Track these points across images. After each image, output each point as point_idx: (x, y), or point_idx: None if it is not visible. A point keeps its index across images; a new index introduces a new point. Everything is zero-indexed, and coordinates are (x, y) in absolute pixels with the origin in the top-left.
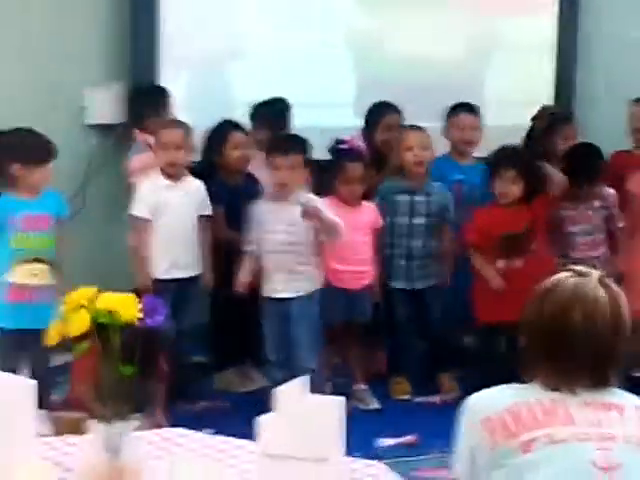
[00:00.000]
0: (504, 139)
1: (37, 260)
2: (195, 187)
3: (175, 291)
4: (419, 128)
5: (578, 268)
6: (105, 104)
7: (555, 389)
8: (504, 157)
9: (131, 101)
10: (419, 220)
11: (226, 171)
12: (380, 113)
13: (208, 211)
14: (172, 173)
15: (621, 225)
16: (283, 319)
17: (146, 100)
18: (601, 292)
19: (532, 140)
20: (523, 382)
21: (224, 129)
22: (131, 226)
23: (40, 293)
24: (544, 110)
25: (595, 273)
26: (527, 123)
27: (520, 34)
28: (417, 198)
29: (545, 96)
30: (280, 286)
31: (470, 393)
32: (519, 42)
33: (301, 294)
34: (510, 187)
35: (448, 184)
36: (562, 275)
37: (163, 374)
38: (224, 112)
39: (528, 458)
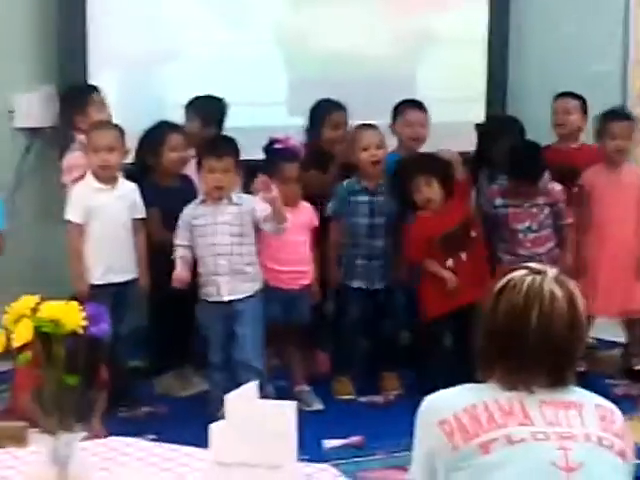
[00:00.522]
0: (438, 137)
1: None
2: (128, 190)
3: (112, 296)
4: (372, 127)
5: (533, 266)
6: (34, 107)
7: (512, 388)
8: (413, 165)
9: (62, 101)
10: (379, 220)
11: (162, 173)
12: (326, 111)
13: (142, 214)
14: (104, 176)
15: (570, 221)
16: (228, 320)
17: (76, 100)
18: (557, 290)
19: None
20: (476, 381)
21: (162, 130)
22: (66, 231)
23: None
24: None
25: (551, 271)
26: (462, 120)
27: (452, 29)
28: (377, 198)
29: (478, 91)
30: (225, 288)
31: (413, 392)
32: (451, 37)
33: (247, 294)
34: (429, 192)
35: None
36: (517, 273)
37: (104, 382)
38: (157, 113)
39: (487, 459)
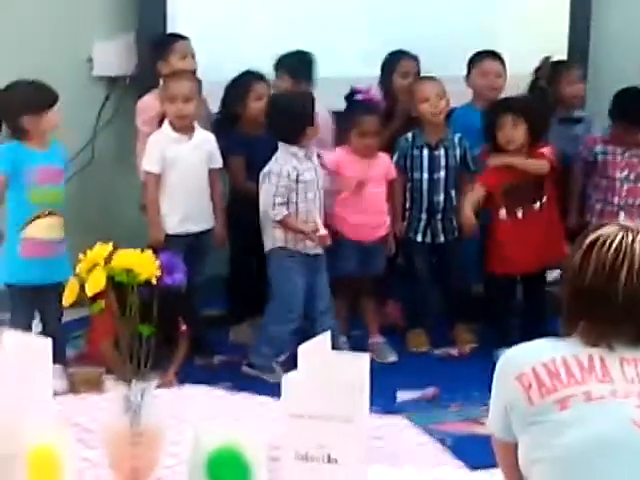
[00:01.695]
0: (516, 90)
1: (52, 213)
2: (205, 139)
3: (188, 245)
4: (433, 78)
5: (625, 223)
6: (113, 55)
7: (593, 344)
8: (500, 105)
9: (143, 49)
10: (440, 174)
11: (248, 122)
12: (396, 60)
13: (219, 164)
14: (180, 125)
15: None
16: (311, 272)
17: (160, 46)
18: None
19: (535, 91)
20: (543, 333)
21: (247, 80)
22: (142, 181)
23: (55, 247)
24: (545, 61)
25: None
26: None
27: None
28: (437, 152)
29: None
30: (310, 243)
31: (486, 344)
32: None
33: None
34: (512, 133)
35: (473, 133)
36: (607, 229)
37: (183, 334)
38: (239, 64)
39: (564, 415)
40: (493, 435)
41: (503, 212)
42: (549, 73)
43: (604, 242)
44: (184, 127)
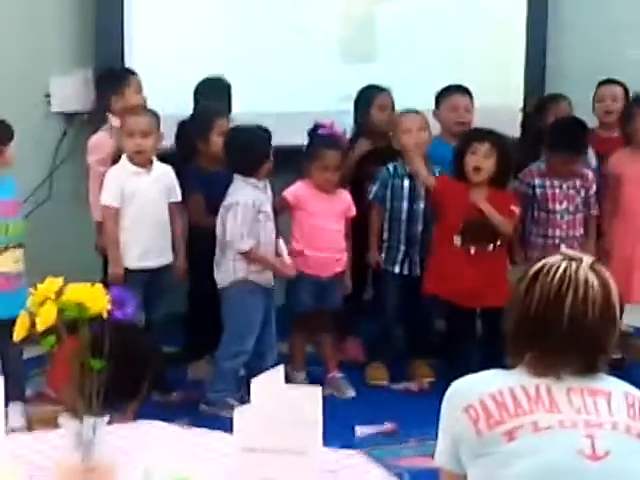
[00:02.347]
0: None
1: (20, 246)
2: (164, 172)
3: (147, 281)
4: (414, 111)
5: (569, 252)
6: (71, 91)
7: (540, 374)
8: (478, 133)
9: (99, 82)
10: (419, 204)
11: (209, 158)
12: (371, 94)
13: (178, 197)
14: (139, 161)
15: (596, 212)
16: (266, 307)
17: (113, 82)
18: (592, 277)
19: (526, 127)
20: (503, 367)
21: (209, 115)
22: (97, 220)
23: (20, 280)
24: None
25: (586, 258)
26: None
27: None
28: (417, 183)
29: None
30: (269, 275)
31: (445, 379)
32: (490, 22)
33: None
34: (482, 161)
35: (444, 166)
36: (552, 259)
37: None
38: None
39: (513, 446)
40: (442, 468)
41: (458, 240)
42: (537, 107)
43: (548, 271)
44: (142, 162)
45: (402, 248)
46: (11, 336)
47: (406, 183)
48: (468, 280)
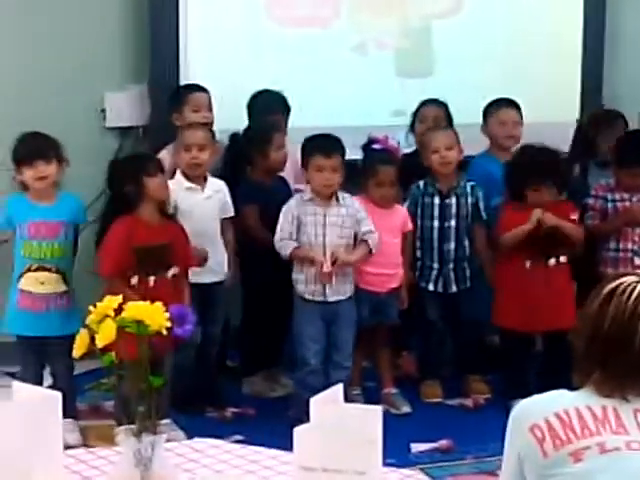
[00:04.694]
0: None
1: (43, 268)
2: (217, 189)
3: (201, 296)
4: (445, 129)
5: None
6: (126, 106)
7: (607, 395)
8: (536, 165)
9: (166, 100)
10: (451, 223)
11: (265, 171)
12: (420, 107)
13: (230, 213)
14: (194, 174)
15: None
16: (327, 321)
17: (174, 99)
18: None
19: (579, 141)
20: (568, 387)
21: (267, 130)
22: None
23: (47, 301)
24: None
25: None
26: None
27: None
28: (448, 200)
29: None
30: (331, 289)
31: (501, 395)
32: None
33: (348, 295)
34: (546, 196)
35: (491, 182)
36: (627, 278)
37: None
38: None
39: (579, 468)
40: None
41: (529, 263)
42: (590, 121)
43: (624, 291)
44: (197, 176)
45: (435, 266)
46: (58, 353)
47: (436, 201)
48: (540, 302)
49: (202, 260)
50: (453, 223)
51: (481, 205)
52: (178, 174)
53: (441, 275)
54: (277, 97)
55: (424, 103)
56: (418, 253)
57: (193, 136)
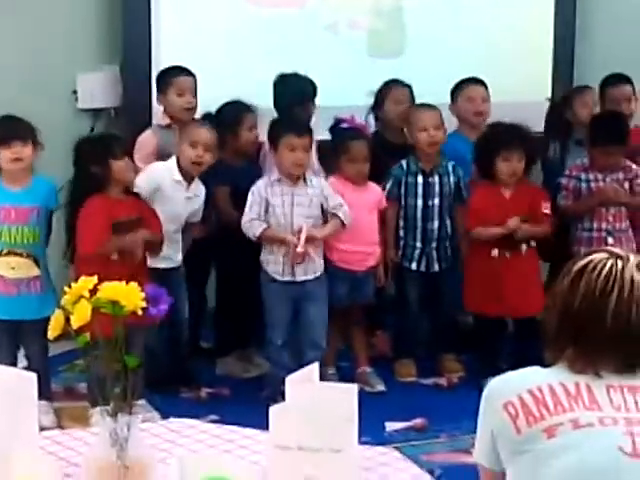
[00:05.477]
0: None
1: (14, 253)
2: (198, 193)
3: (159, 280)
4: (431, 107)
5: (615, 250)
6: (98, 88)
7: (580, 372)
8: (506, 135)
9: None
10: (434, 201)
11: (236, 152)
12: (388, 88)
13: (197, 219)
14: (191, 171)
15: None
16: (296, 300)
17: (159, 80)
18: (638, 277)
19: (554, 120)
20: (540, 364)
21: (238, 110)
22: None
23: (20, 285)
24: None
25: (633, 257)
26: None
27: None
28: (431, 179)
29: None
30: (299, 268)
31: (475, 374)
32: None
33: (318, 274)
34: (516, 166)
35: (461, 162)
36: (597, 255)
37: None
38: (222, 95)
39: (552, 443)
40: (481, 465)
41: (495, 251)
42: (564, 98)
43: (594, 268)
44: (190, 173)
45: (418, 245)
46: (31, 335)
47: (419, 180)
48: (509, 290)
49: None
50: (436, 202)
51: (462, 185)
52: (173, 163)
53: (424, 254)
54: (307, 82)
55: (391, 84)
56: (401, 232)
57: (201, 134)
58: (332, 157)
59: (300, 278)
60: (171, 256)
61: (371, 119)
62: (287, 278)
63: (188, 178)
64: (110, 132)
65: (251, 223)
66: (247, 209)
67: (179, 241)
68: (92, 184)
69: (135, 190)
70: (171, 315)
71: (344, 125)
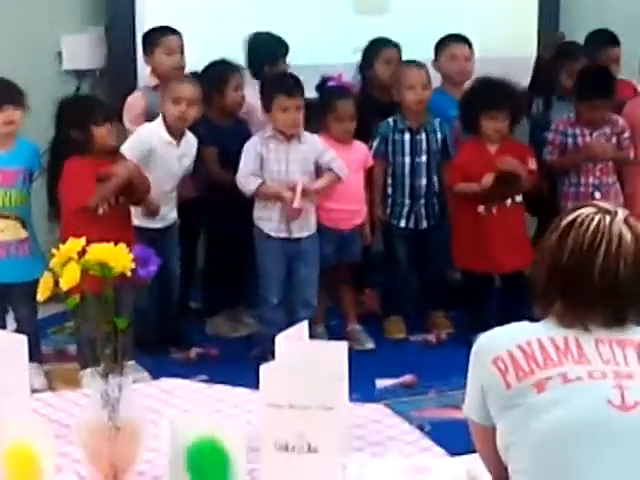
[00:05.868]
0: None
1: (2, 216)
2: (190, 145)
3: (152, 240)
4: (419, 65)
5: (602, 205)
6: (83, 49)
7: (568, 326)
8: (492, 92)
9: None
10: (422, 158)
11: (222, 112)
12: (378, 48)
13: (190, 171)
14: (177, 127)
15: (632, 154)
16: (290, 258)
17: (145, 41)
18: (626, 232)
19: (540, 75)
20: (529, 320)
21: (224, 70)
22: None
23: (9, 248)
24: (551, 39)
25: (621, 211)
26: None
27: None
28: (418, 137)
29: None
30: (296, 225)
31: (463, 330)
32: None
33: (312, 232)
34: (502, 124)
35: (446, 120)
36: (585, 210)
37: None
38: (209, 55)
39: (542, 398)
40: (471, 420)
41: (482, 208)
42: (553, 55)
43: (582, 223)
44: (178, 130)
45: (407, 202)
46: (21, 298)
47: (407, 137)
48: (496, 245)
49: (154, 213)
50: (424, 159)
51: (449, 142)
52: (159, 123)
53: (412, 211)
54: (278, 41)
55: (380, 43)
56: (389, 190)
57: (183, 90)
58: (319, 116)
59: (295, 235)
60: (167, 214)
61: (357, 76)
62: (282, 235)
63: (177, 135)
64: (93, 96)
65: (247, 178)
66: (242, 165)
67: (174, 199)
68: (72, 147)
69: (127, 156)
70: (162, 275)
71: (331, 83)
